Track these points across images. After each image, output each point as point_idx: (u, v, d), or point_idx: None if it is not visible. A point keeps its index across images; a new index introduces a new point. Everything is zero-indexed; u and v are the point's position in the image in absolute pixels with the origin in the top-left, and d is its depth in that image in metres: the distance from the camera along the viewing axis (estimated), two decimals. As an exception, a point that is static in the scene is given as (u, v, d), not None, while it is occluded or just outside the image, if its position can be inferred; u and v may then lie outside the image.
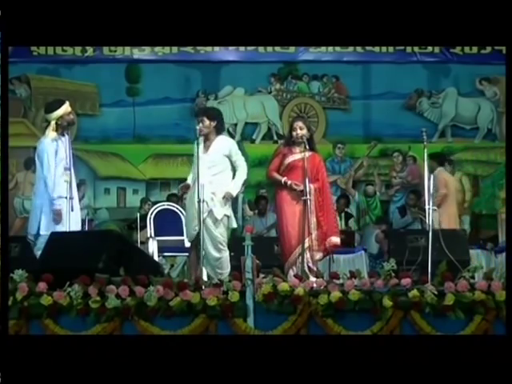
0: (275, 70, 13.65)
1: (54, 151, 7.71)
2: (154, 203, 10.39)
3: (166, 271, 8.90)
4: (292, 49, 13.29)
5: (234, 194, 7.74)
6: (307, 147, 7.57)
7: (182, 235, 8.84)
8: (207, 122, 7.81)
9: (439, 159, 11.08)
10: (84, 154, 12.76)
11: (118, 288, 6.08)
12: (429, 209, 6.91)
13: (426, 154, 7.13)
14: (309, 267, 7.31)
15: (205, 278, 7.09)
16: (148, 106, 13.34)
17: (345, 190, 12.86)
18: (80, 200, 8.51)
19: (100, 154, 13.18)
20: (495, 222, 12.42)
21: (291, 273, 7.17)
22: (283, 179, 7.61)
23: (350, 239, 11.39)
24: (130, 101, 13.38)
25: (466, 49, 13.39)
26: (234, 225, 7.85)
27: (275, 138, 13.60)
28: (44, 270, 6.27)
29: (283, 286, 6.06)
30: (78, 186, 8.40)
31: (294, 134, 7.65)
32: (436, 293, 6.01)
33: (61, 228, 7.39)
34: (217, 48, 13.09)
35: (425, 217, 10.62)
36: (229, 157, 7.77)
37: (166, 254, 9.04)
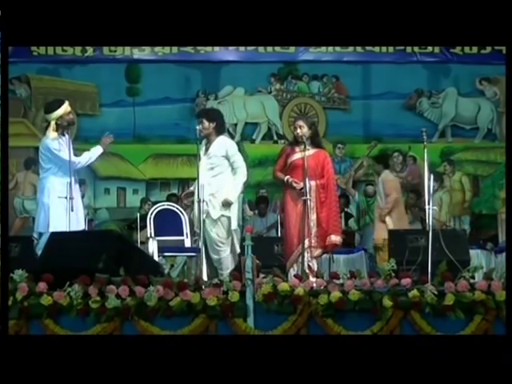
0: (275, 69, 13.65)
1: (57, 150, 7.72)
2: (154, 203, 10.38)
3: (166, 271, 8.90)
4: (292, 49, 13.29)
5: (233, 200, 7.73)
6: (306, 146, 7.57)
7: (182, 235, 8.84)
8: (206, 123, 7.82)
9: (384, 161, 11.07)
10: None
11: (118, 288, 6.08)
12: (429, 209, 6.91)
13: (425, 154, 7.12)
14: (309, 266, 7.31)
15: (205, 277, 7.09)
16: (148, 106, 13.34)
17: (345, 190, 12.84)
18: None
19: (100, 154, 13.16)
20: (495, 221, 12.41)
21: (292, 272, 7.18)
22: (285, 178, 7.62)
23: (350, 239, 11.39)
24: (130, 101, 13.38)
25: (466, 49, 13.39)
26: (234, 226, 7.83)
27: (275, 138, 13.61)
28: (44, 270, 6.27)
29: (283, 286, 6.07)
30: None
31: (295, 133, 7.66)
32: (436, 293, 6.01)
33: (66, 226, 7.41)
34: (217, 48, 13.09)
35: (424, 216, 10.69)
36: (227, 158, 7.77)
37: (165, 253, 9.02)
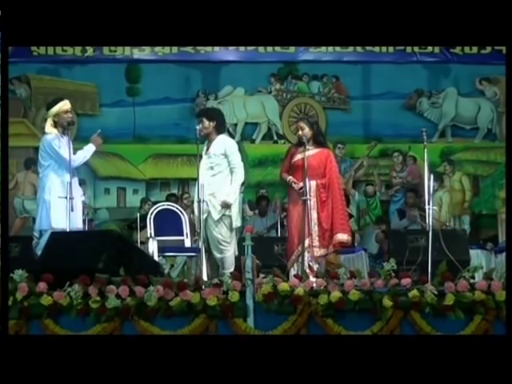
0: (275, 70, 13.65)
1: (57, 147, 7.72)
2: (154, 203, 10.38)
3: (166, 271, 8.90)
4: (292, 49, 13.29)
5: (232, 201, 7.74)
6: (309, 146, 7.59)
7: (182, 235, 8.85)
8: (206, 122, 7.83)
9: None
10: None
11: (118, 288, 6.08)
12: (429, 209, 6.91)
13: (425, 154, 7.12)
14: (309, 265, 7.31)
15: (205, 277, 7.09)
16: (148, 106, 13.34)
17: (345, 190, 12.84)
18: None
19: (100, 154, 13.16)
20: (495, 222, 12.43)
21: (292, 272, 7.18)
22: (288, 178, 7.65)
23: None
24: (130, 101, 13.38)
25: (466, 49, 13.39)
26: (235, 225, 7.85)
27: (275, 137, 13.60)
28: (44, 270, 6.27)
29: (283, 286, 6.07)
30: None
31: (297, 134, 7.69)
32: (436, 293, 6.01)
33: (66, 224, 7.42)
34: (217, 48, 13.09)
35: (424, 216, 10.72)
36: (226, 156, 7.78)
37: (165, 253, 9.03)
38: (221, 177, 7.80)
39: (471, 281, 6.20)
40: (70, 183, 7.58)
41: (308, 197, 7.48)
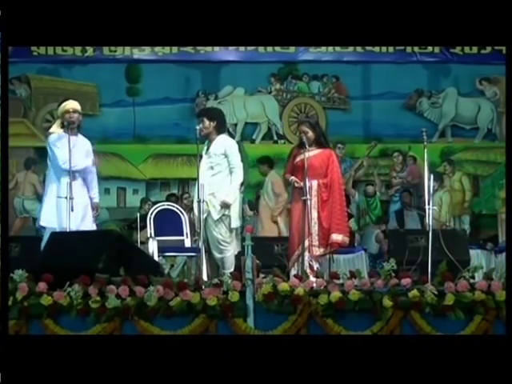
0: (275, 70, 13.65)
1: (60, 146, 7.74)
2: (154, 203, 10.39)
3: (166, 271, 8.90)
4: (292, 49, 13.30)
5: (231, 202, 7.74)
6: (312, 147, 7.61)
7: (182, 235, 8.85)
8: (207, 122, 7.83)
9: (268, 162, 11.19)
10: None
11: (118, 288, 6.08)
12: (429, 209, 6.91)
13: (425, 154, 7.13)
14: (309, 265, 7.32)
15: (205, 278, 7.09)
16: (148, 106, 13.35)
17: (345, 190, 12.84)
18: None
19: (100, 154, 13.16)
20: (495, 222, 12.44)
21: (293, 272, 7.19)
22: (290, 178, 7.67)
23: (349, 239, 11.39)
24: (130, 101, 13.39)
25: (466, 49, 13.40)
26: (234, 225, 7.85)
27: (275, 137, 13.61)
28: (44, 270, 6.27)
29: (283, 286, 6.07)
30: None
31: (300, 137, 7.68)
32: (436, 293, 6.01)
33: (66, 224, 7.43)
34: (217, 48, 13.10)
35: (423, 216, 10.74)
36: (226, 156, 7.78)
37: (165, 253, 9.03)
38: (221, 177, 7.81)
39: (471, 281, 6.20)
40: (70, 183, 7.57)
41: (308, 197, 7.49)
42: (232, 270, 7.45)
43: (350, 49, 13.33)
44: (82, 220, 7.76)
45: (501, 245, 11.15)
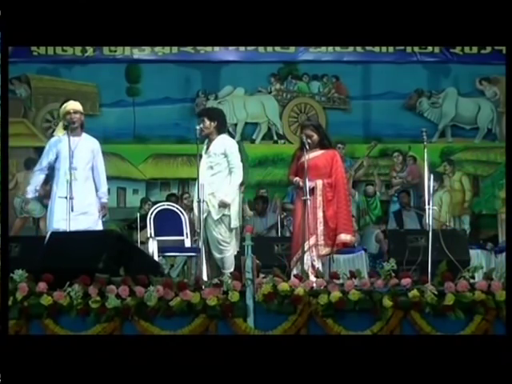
0: (275, 70, 13.65)
1: (53, 151, 7.76)
2: (154, 203, 10.39)
3: (166, 271, 8.91)
4: (292, 49, 13.30)
5: (229, 201, 7.73)
6: (312, 150, 7.62)
7: (182, 235, 8.85)
8: (207, 122, 7.82)
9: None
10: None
11: (118, 288, 6.08)
12: (429, 209, 6.91)
13: (425, 154, 7.12)
14: (312, 264, 7.34)
15: (205, 278, 7.09)
16: (148, 106, 13.34)
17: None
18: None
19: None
20: (495, 222, 12.43)
21: (295, 271, 7.19)
22: (295, 179, 7.69)
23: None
24: (130, 101, 13.38)
25: (466, 49, 13.40)
26: (234, 224, 7.85)
27: (275, 137, 13.61)
28: (44, 270, 6.27)
29: (283, 286, 6.07)
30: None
31: (305, 141, 7.68)
32: (436, 293, 6.01)
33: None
34: (217, 48, 13.09)
35: (422, 215, 10.75)
36: (225, 156, 7.77)
37: (165, 253, 9.03)
38: (220, 176, 7.80)
39: (471, 281, 6.20)
40: (70, 183, 7.58)
41: (308, 197, 7.50)
42: (232, 270, 7.44)
43: (350, 49, 13.33)
44: (84, 220, 7.78)
45: (501, 245, 11.15)
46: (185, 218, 8.99)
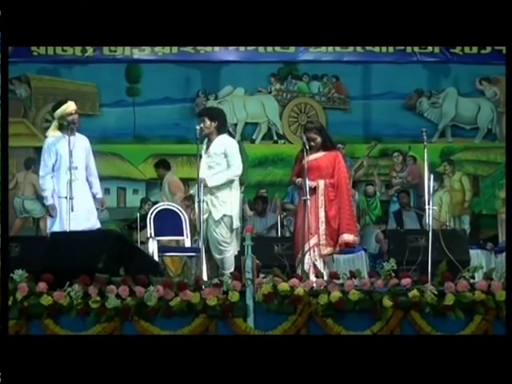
0: (275, 70, 13.65)
1: (53, 151, 7.74)
2: (154, 203, 10.39)
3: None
4: (292, 49, 13.29)
5: (209, 184, 7.67)
6: (307, 149, 7.63)
7: (182, 235, 8.85)
8: (208, 122, 7.81)
9: (163, 165, 11.55)
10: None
11: (118, 288, 6.08)
12: (429, 209, 6.90)
13: (425, 154, 7.12)
14: (314, 264, 7.35)
15: (205, 277, 7.09)
16: (148, 106, 13.34)
17: (347, 191, 12.85)
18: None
19: (100, 153, 13.16)
20: (495, 222, 12.43)
21: (299, 271, 7.20)
22: (297, 180, 7.73)
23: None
24: (130, 101, 13.38)
25: (466, 49, 13.39)
26: (235, 225, 7.85)
27: (275, 137, 13.61)
28: (44, 270, 6.27)
29: (283, 286, 6.07)
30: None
31: (308, 144, 7.69)
32: (436, 293, 6.01)
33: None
34: (217, 48, 13.09)
35: (422, 215, 10.75)
36: (225, 156, 7.77)
37: (165, 254, 9.03)
38: (220, 176, 7.79)
39: (471, 281, 6.20)
40: (70, 183, 7.58)
41: (308, 197, 7.52)
42: (232, 270, 7.44)
43: (350, 49, 13.32)
44: (86, 219, 7.79)
45: (501, 245, 11.15)
46: (185, 217, 8.98)
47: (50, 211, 7.62)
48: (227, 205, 7.74)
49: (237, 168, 7.77)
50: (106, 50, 13.17)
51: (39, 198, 9.30)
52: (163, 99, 13.34)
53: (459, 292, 6.02)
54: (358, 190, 12.92)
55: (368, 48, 13.26)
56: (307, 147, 7.65)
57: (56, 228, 7.65)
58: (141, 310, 6.04)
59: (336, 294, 6.01)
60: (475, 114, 13.65)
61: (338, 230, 7.61)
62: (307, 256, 7.50)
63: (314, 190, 7.62)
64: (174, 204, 9.60)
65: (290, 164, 9.05)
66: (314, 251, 7.50)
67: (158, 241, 8.66)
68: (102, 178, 12.97)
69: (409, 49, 13.34)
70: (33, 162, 12.67)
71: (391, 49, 13.33)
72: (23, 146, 12.74)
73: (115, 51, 13.17)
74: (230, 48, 13.10)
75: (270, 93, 13.64)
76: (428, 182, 6.96)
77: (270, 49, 13.34)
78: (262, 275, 6.20)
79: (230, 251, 7.76)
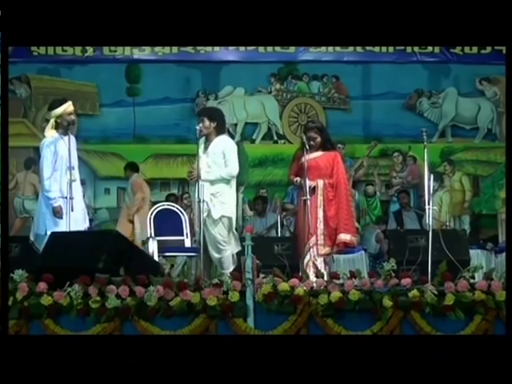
0: (275, 70, 13.65)
1: (53, 150, 7.72)
2: (154, 203, 10.39)
3: (166, 271, 8.90)
4: (292, 49, 13.29)
5: (202, 178, 7.62)
6: (307, 148, 7.63)
7: (182, 235, 8.85)
8: (207, 122, 7.81)
9: (131, 167, 11.69)
10: (84, 154, 12.74)
11: (118, 288, 6.08)
12: (429, 209, 6.90)
13: (425, 154, 7.13)
14: (314, 264, 7.36)
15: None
16: (148, 106, 13.34)
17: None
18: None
19: (100, 154, 13.18)
20: (495, 221, 12.42)
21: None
22: (295, 179, 7.73)
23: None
24: (130, 101, 13.38)
25: (466, 49, 13.39)
26: (233, 225, 7.86)
27: (275, 137, 13.61)
28: (44, 270, 6.27)
29: (283, 286, 6.07)
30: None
31: (309, 143, 7.69)
32: (436, 293, 6.01)
33: (62, 227, 7.41)
34: (217, 48, 13.09)
35: (422, 215, 10.74)
36: (223, 156, 7.76)
37: (165, 253, 9.03)
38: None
39: (471, 281, 6.20)
40: (70, 183, 7.57)
41: (308, 197, 7.54)
42: (230, 270, 7.45)
43: (350, 49, 13.32)
44: (84, 219, 7.79)
45: (501, 245, 11.14)
46: (185, 218, 8.99)
47: (56, 212, 7.57)
48: (226, 205, 7.74)
49: (233, 168, 7.76)
50: (106, 49, 13.16)
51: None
52: (163, 99, 13.34)
53: (459, 292, 6.02)
54: (358, 189, 12.92)
55: (368, 48, 13.26)
56: (307, 146, 7.66)
57: (56, 229, 7.63)
58: (141, 310, 6.04)
59: (336, 294, 6.00)
60: (475, 114, 13.65)
61: (335, 230, 7.63)
62: (307, 256, 7.52)
63: (313, 190, 7.63)
64: (174, 204, 9.60)
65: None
66: (313, 251, 7.52)
67: (158, 241, 8.67)
68: (102, 178, 13.17)
69: (409, 49, 13.33)
70: (33, 162, 12.68)
71: (391, 49, 13.32)
72: (23, 146, 12.74)
73: (115, 51, 13.17)
74: (230, 48, 13.10)
75: (270, 93, 13.64)
76: (428, 182, 6.96)
77: (270, 49, 13.34)
78: (262, 275, 6.20)
79: (228, 251, 7.76)
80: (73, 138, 7.96)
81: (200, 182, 7.58)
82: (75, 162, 7.85)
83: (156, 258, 8.35)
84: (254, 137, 13.61)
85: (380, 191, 13.07)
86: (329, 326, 5.96)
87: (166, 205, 9.36)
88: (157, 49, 13.19)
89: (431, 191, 6.98)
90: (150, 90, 13.35)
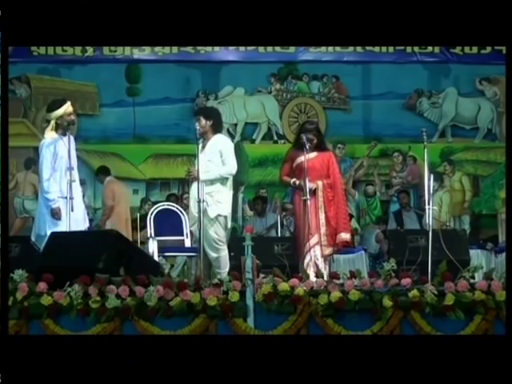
0: (275, 70, 13.65)
1: (53, 151, 7.72)
2: (154, 203, 10.39)
3: (166, 271, 8.89)
4: (292, 49, 13.30)
5: (201, 178, 7.62)
6: (307, 149, 7.64)
7: (182, 235, 8.85)
8: (203, 121, 7.82)
9: (103, 171, 11.62)
10: (84, 154, 12.75)
11: (118, 288, 6.08)
12: (429, 209, 6.91)
13: (425, 154, 7.13)
14: (316, 264, 7.37)
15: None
16: (148, 106, 13.35)
17: (345, 190, 12.85)
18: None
19: (100, 153, 13.19)
20: (495, 221, 12.45)
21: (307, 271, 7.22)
22: (292, 181, 7.71)
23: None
24: (130, 101, 13.39)
25: (466, 49, 13.39)
26: (230, 224, 7.88)
27: (275, 137, 13.61)
28: (44, 270, 6.27)
29: (283, 286, 6.07)
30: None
31: (306, 144, 7.70)
32: (436, 293, 6.01)
33: (63, 227, 7.41)
34: (217, 48, 13.09)
35: (422, 215, 10.75)
36: (220, 155, 7.77)
37: (165, 253, 9.03)
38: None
39: (471, 281, 6.20)
40: (70, 183, 7.57)
41: (308, 197, 7.55)
42: (227, 269, 7.46)
43: (350, 49, 13.32)
44: (84, 219, 7.79)
45: (501, 245, 11.16)
46: (185, 218, 8.99)
47: (55, 214, 7.57)
48: (222, 204, 7.75)
49: (231, 167, 7.78)
50: (106, 49, 13.16)
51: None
52: (163, 99, 13.35)
53: (459, 292, 6.02)
54: (357, 189, 12.94)
55: (368, 48, 13.26)
56: (307, 147, 7.67)
57: (56, 229, 7.63)
58: (141, 309, 6.04)
59: (336, 294, 6.00)
60: (475, 114, 13.65)
61: (335, 230, 7.66)
62: (307, 256, 7.53)
63: (313, 191, 7.65)
64: (173, 204, 9.60)
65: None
66: (314, 251, 7.53)
67: (158, 241, 8.67)
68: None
69: (409, 49, 13.34)
70: (33, 162, 12.68)
71: (391, 49, 13.33)
72: (23, 146, 12.74)
73: (115, 51, 13.17)
74: (230, 48, 13.10)
75: (270, 93, 13.64)
76: (428, 182, 6.96)
77: (270, 49, 13.34)
78: (262, 275, 6.20)
79: (225, 250, 7.78)
80: (72, 139, 7.96)
81: (199, 182, 7.58)
82: (75, 163, 7.85)
83: (156, 257, 8.35)
84: (254, 137, 13.61)
85: (380, 191, 13.08)
86: (329, 326, 5.96)
87: (166, 205, 9.36)
88: (157, 49, 13.19)
89: (431, 191, 6.98)
90: (150, 90, 13.35)
